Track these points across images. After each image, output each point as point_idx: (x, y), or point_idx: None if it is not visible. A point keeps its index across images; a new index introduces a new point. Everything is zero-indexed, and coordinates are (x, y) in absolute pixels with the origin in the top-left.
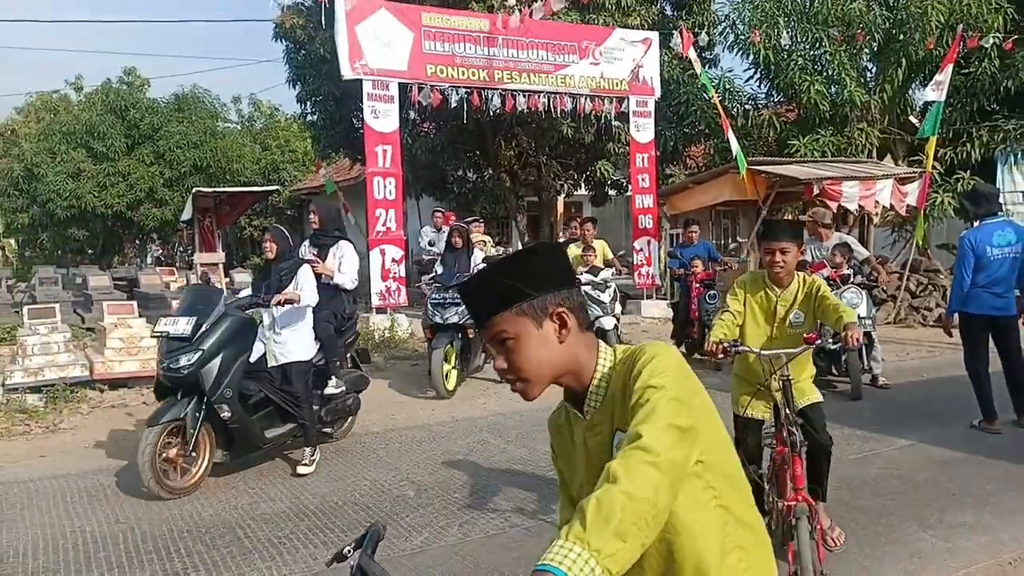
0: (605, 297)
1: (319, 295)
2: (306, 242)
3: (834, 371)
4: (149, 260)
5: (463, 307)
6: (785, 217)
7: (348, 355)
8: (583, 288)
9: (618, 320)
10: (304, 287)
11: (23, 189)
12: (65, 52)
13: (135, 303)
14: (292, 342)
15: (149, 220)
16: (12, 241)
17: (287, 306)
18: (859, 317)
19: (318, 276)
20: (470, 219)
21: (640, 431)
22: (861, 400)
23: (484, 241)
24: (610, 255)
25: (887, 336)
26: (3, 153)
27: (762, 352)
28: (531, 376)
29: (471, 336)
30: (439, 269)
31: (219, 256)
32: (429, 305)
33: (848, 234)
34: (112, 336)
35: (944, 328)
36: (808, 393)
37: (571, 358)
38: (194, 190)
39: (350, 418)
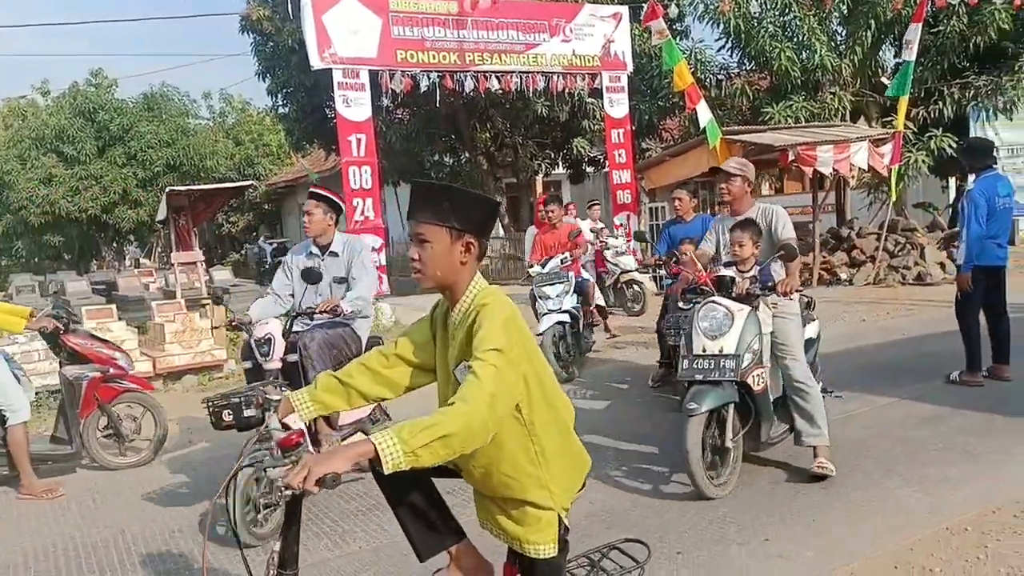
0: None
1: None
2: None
3: None
4: (127, 263)
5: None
6: (762, 185)
7: None
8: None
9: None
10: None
11: None
12: (31, 57)
13: (114, 307)
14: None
15: (125, 222)
16: None
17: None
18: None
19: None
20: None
21: (476, 375)
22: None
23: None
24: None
25: (867, 296)
26: None
27: None
28: (428, 273)
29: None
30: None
31: (197, 255)
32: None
33: (824, 199)
34: None
35: (961, 284)
36: None
37: (457, 277)
38: (167, 189)
39: None
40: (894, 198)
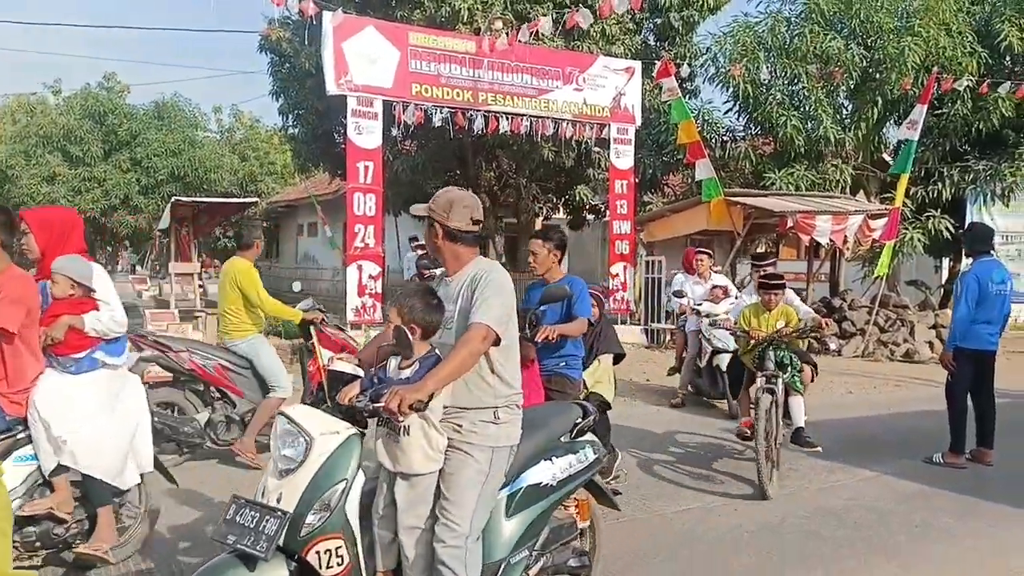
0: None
1: None
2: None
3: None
4: (120, 268)
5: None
6: (758, 248)
7: None
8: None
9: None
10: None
11: None
12: (45, 55)
13: None
14: None
15: (123, 227)
16: None
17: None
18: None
19: None
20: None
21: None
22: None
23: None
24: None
25: (854, 369)
26: None
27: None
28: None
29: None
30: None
31: (194, 266)
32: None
33: (819, 268)
34: None
35: (943, 363)
36: None
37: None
38: (173, 199)
39: None
40: (882, 272)
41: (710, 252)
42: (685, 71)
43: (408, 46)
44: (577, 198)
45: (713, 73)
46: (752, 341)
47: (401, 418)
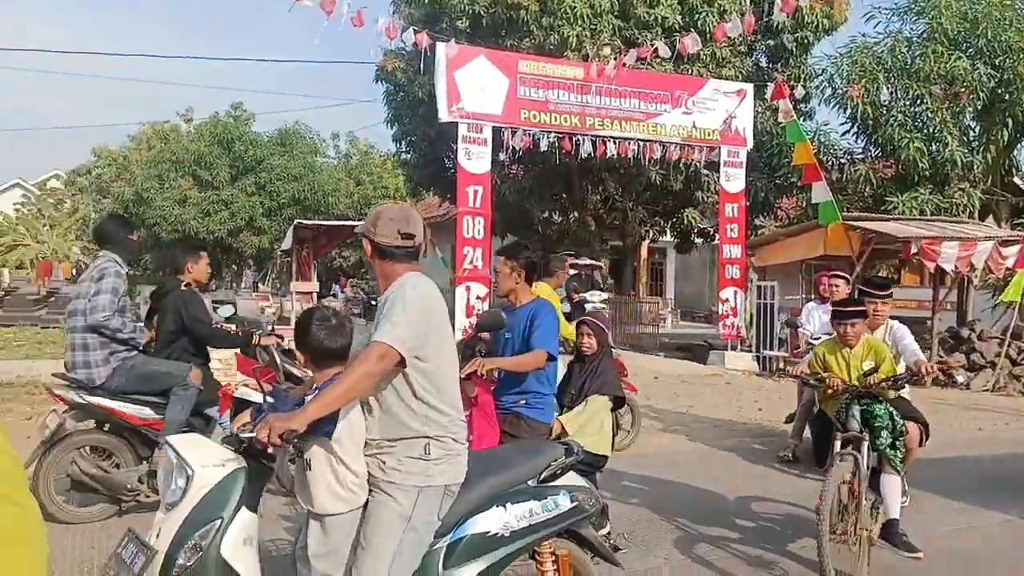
0: None
1: None
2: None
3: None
4: (243, 285)
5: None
6: (879, 274)
7: None
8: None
9: None
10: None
11: (132, 212)
12: (178, 86)
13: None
14: None
15: (247, 247)
16: None
17: None
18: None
19: None
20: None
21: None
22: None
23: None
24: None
25: (984, 403)
26: (115, 177)
27: None
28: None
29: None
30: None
31: (313, 285)
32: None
33: (946, 296)
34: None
35: None
36: None
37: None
38: (296, 222)
39: None
40: (1008, 298)
41: (848, 277)
42: (800, 92)
43: (517, 73)
44: (685, 221)
45: (829, 94)
46: (829, 390)
47: (271, 449)
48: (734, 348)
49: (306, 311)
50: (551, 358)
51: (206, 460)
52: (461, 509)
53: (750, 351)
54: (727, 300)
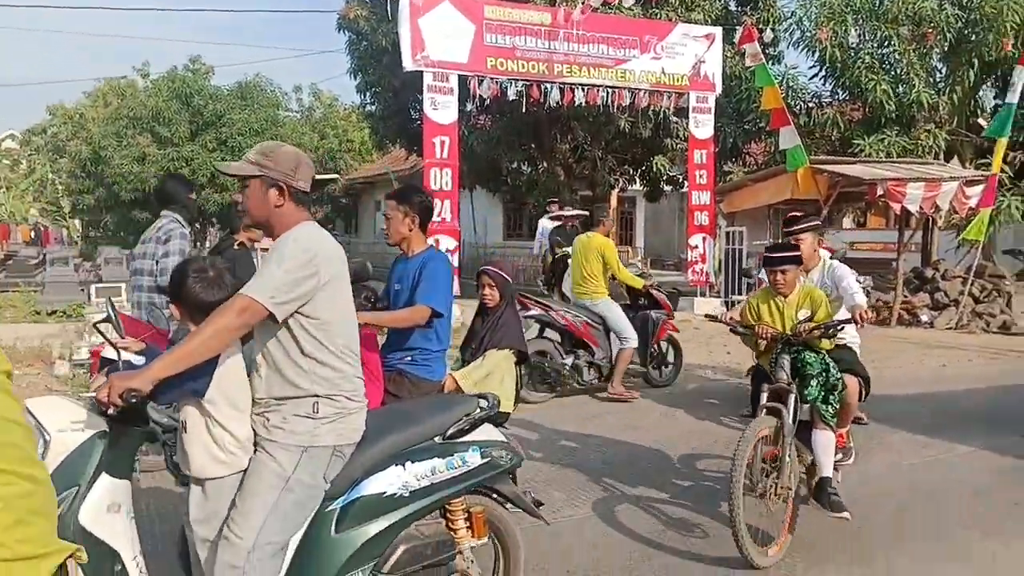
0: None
1: None
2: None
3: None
4: (208, 243)
5: None
6: (844, 217)
7: None
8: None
9: None
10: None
11: (90, 171)
12: (131, 39)
13: None
14: None
15: (210, 204)
16: (76, 222)
17: None
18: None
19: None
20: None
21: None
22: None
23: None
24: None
25: (948, 341)
26: (72, 135)
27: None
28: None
29: None
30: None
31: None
32: None
33: (911, 237)
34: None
35: None
36: None
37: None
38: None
39: None
40: (969, 236)
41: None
42: (768, 36)
43: (483, 20)
44: (654, 169)
45: (798, 38)
46: (759, 340)
47: (112, 409)
48: (703, 294)
49: (182, 262)
50: (437, 314)
51: (63, 424)
52: (356, 470)
53: (719, 296)
54: (696, 247)
